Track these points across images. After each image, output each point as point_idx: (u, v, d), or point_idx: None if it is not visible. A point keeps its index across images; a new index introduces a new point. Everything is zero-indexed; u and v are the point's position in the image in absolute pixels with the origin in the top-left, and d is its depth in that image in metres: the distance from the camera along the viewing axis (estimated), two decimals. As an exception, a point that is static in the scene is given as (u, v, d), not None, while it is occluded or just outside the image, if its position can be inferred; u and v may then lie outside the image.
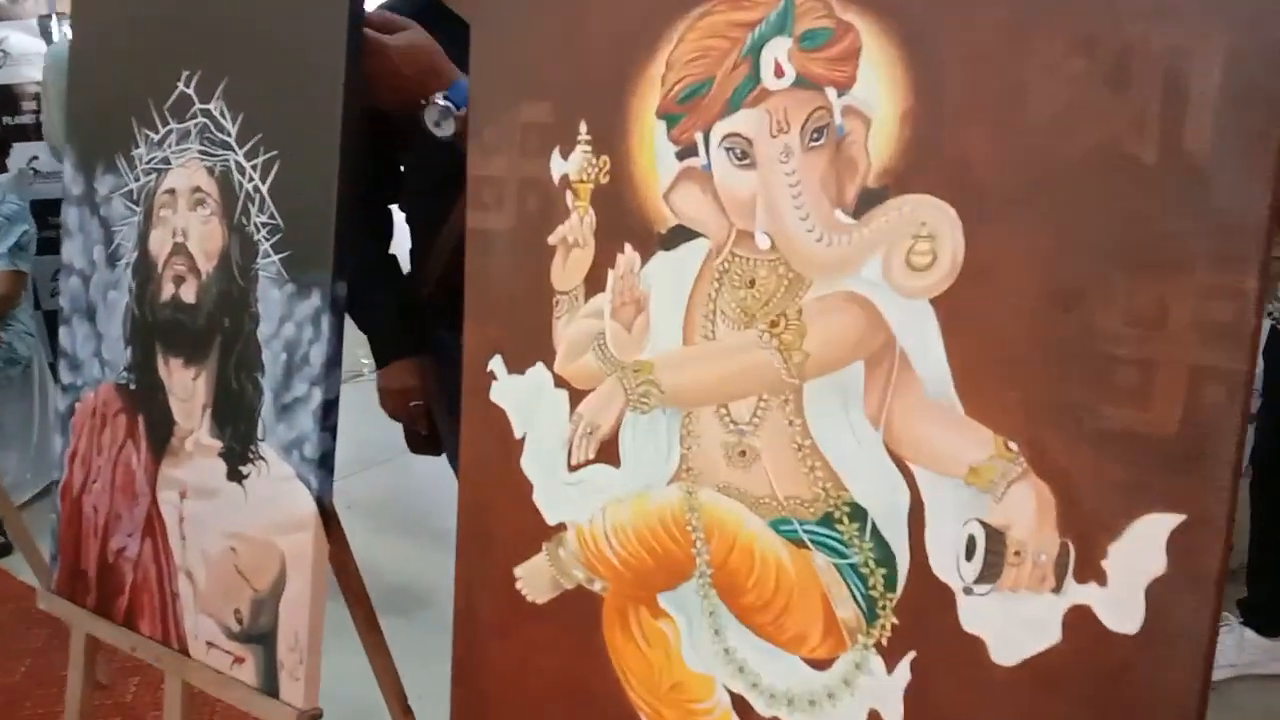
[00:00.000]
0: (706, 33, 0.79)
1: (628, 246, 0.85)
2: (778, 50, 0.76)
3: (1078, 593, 0.68)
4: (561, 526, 0.91)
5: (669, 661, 0.86)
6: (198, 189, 1.33)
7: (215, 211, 1.31)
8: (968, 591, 0.72)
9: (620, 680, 0.89)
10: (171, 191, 1.36)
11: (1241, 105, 0.60)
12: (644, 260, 0.84)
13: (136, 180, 1.41)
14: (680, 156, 0.82)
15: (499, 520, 0.94)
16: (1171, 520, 0.64)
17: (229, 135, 1.29)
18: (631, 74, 0.83)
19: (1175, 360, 0.63)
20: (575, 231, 0.87)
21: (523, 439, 0.92)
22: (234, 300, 1.28)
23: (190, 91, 1.34)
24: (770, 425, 0.78)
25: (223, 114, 1.30)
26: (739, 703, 0.82)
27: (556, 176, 0.88)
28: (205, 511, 1.34)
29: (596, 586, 0.89)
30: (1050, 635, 0.69)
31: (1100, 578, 0.67)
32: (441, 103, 1.17)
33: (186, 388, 1.36)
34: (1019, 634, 0.70)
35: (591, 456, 0.88)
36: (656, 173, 0.83)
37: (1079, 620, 0.68)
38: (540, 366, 0.91)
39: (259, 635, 1.29)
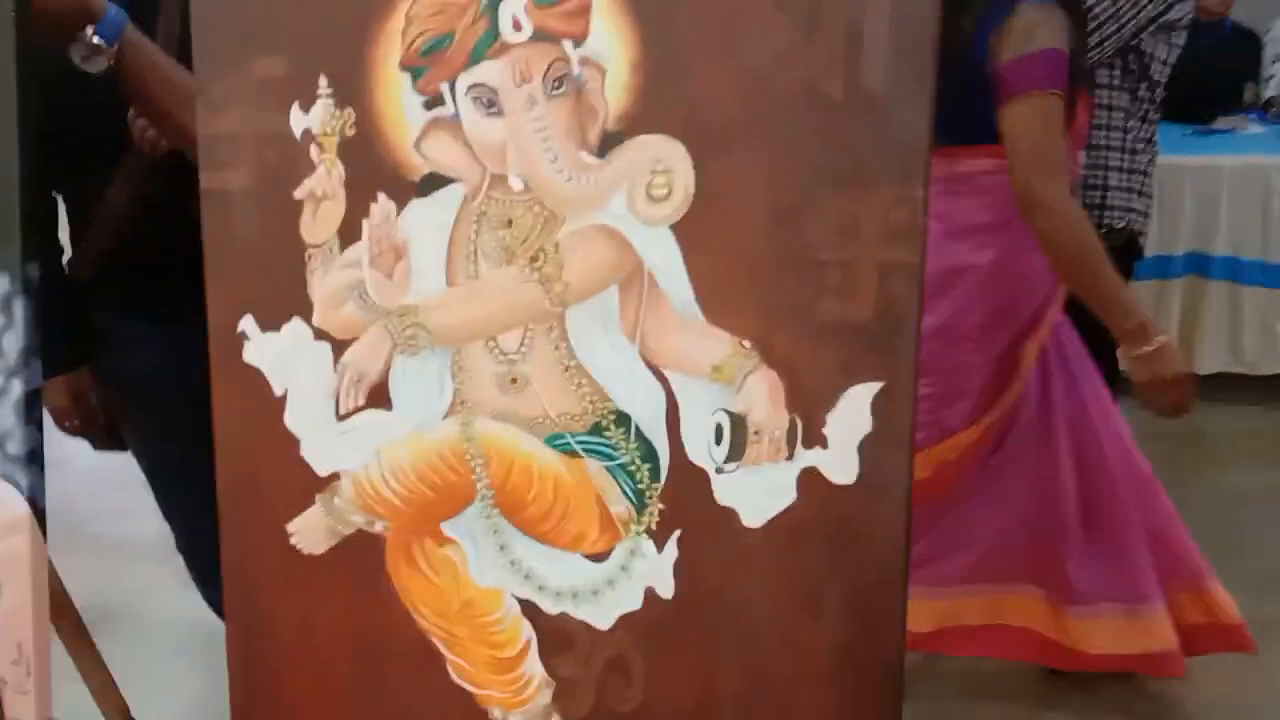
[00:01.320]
0: (444, -11, 0.84)
1: (381, 196, 0.88)
2: (514, 6, 0.83)
3: (806, 457, 0.82)
4: (334, 476, 0.93)
5: (457, 584, 0.91)
6: None
7: None
8: (719, 471, 0.84)
9: (410, 612, 0.93)
10: None
11: (905, 49, 0.76)
12: (400, 208, 0.88)
13: None
14: (428, 106, 0.86)
15: (265, 480, 0.94)
16: (873, 388, 0.80)
17: None
18: (370, 27, 0.86)
19: (868, 259, 0.79)
20: (323, 184, 0.89)
21: (284, 396, 0.93)
22: (-104, 294, 1.14)
23: None
24: (538, 352, 0.86)
25: None
26: (528, 607, 0.90)
27: (298, 131, 0.89)
28: (-122, 532, 1.19)
29: (378, 527, 0.93)
30: (788, 496, 0.83)
31: (823, 442, 0.82)
32: (91, 39, 1.11)
33: None
34: (763, 499, 0.83)
35: (361, 403, 0.91)
36: (405, 123, 0.87)
37: (810, 480, 0.82)
38: (297, 321, 0.92)
39: (-33, 657, 1.17)
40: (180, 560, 2.91)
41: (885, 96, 0.77)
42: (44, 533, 1.13)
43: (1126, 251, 2.15)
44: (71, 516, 2.71)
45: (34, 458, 1.13)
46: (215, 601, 1.98)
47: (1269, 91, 3.70)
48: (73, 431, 1.64)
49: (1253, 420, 3.14)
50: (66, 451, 1.76)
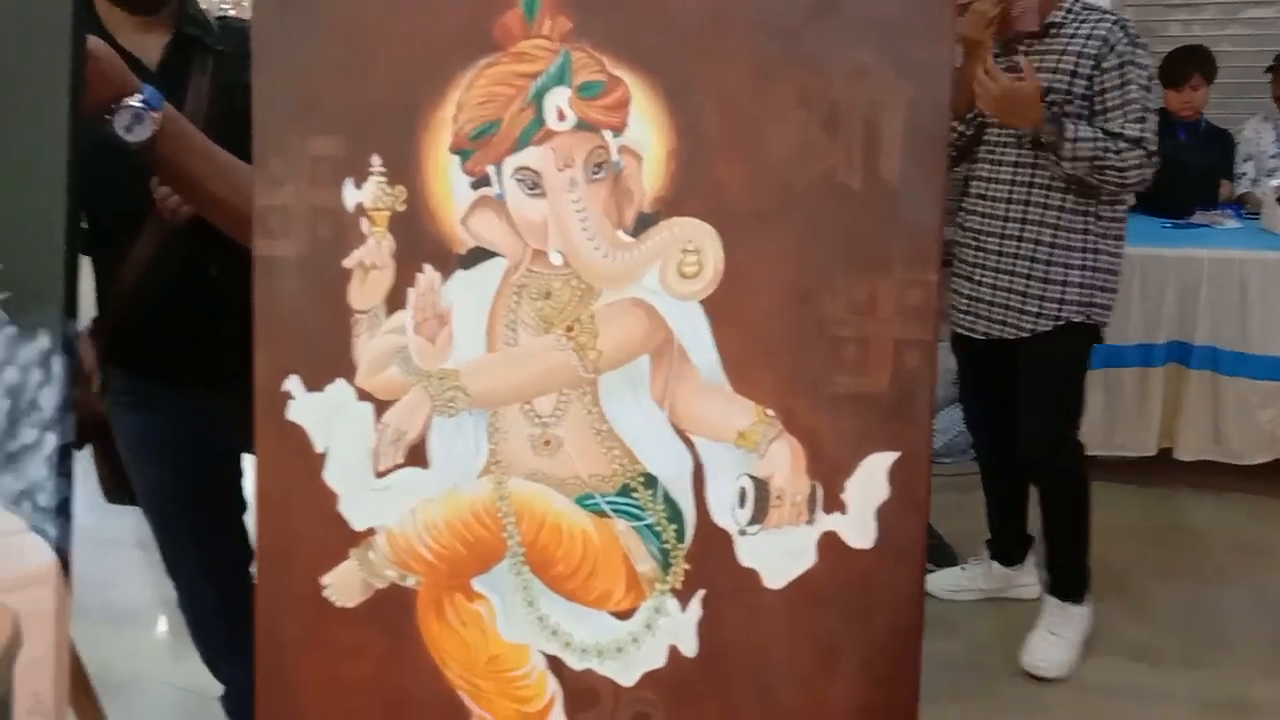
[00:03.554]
0: (493, 80, 0.91)
1: (427, 267, 0.94)
2: (559, 98, 0.90)
3: (826, 521, 0.87)
4: (370, 531, 0.97)
5: (485, 638, 0.95)
6: (-121, 230, 1.22)
7: (-92, 253, 1.20)
8: (742, 533, 0.89)
9: (438, 665, 0.96)
10: None
11: (919, 145, 0.83)
12: (444, 279, 0.94)
13: None
14: (474, 186, 0.93)
15: (302, 535, 0.98)
16: (890, 456, 0.85)
17: (-78, 172, 1.20)
18: (423, 113, 0.93)
19: (884, 336, 0.85)
20: (373, 255, 0.95)
21: (324, 453, 0.98)
22: (-63, 348, 1.19)
23: None
24: (571, 416, 0.91)
25: (-86, 149, 1.20)
26: (554, 663, 0.94)
27: (350, 204, 0.95)
28: (-96, 582, 1.21)
29: (410, 582, 0.97)
30: (808, 559, 0.88)
31: (842, 508, 0.87)
32: (135, 104, 1.18)
33: (-128, 447, 1.23)
34: (784, 561, 0.88)
35: (400, 461, 0.96)
36: (452, 200, 0.93)
37: (829, 544, 0.87)
38: (341, 382, 0.97)
39: (-15, 707, 1.19)
40: (167, 627, 2.91)
41: (900, 188, 0.84)
42: (69, 584, 1.16)
43: (1087, 338, 2.29)
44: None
45: (63, 510, 1.16)
46: (212, 662, 1.98)
47: (1241, 188, 3.85)
48: None
49: (1234, 508, 3.21)
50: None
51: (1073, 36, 2.14)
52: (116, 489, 1.79)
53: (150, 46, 1.56)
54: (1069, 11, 2.18)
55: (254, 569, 1.14)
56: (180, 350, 1.65)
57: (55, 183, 1.13)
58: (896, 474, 0.85)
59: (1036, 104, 2.04)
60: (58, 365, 1.14)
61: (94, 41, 1.15)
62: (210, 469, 1.84)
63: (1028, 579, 2.68)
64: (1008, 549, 2.67)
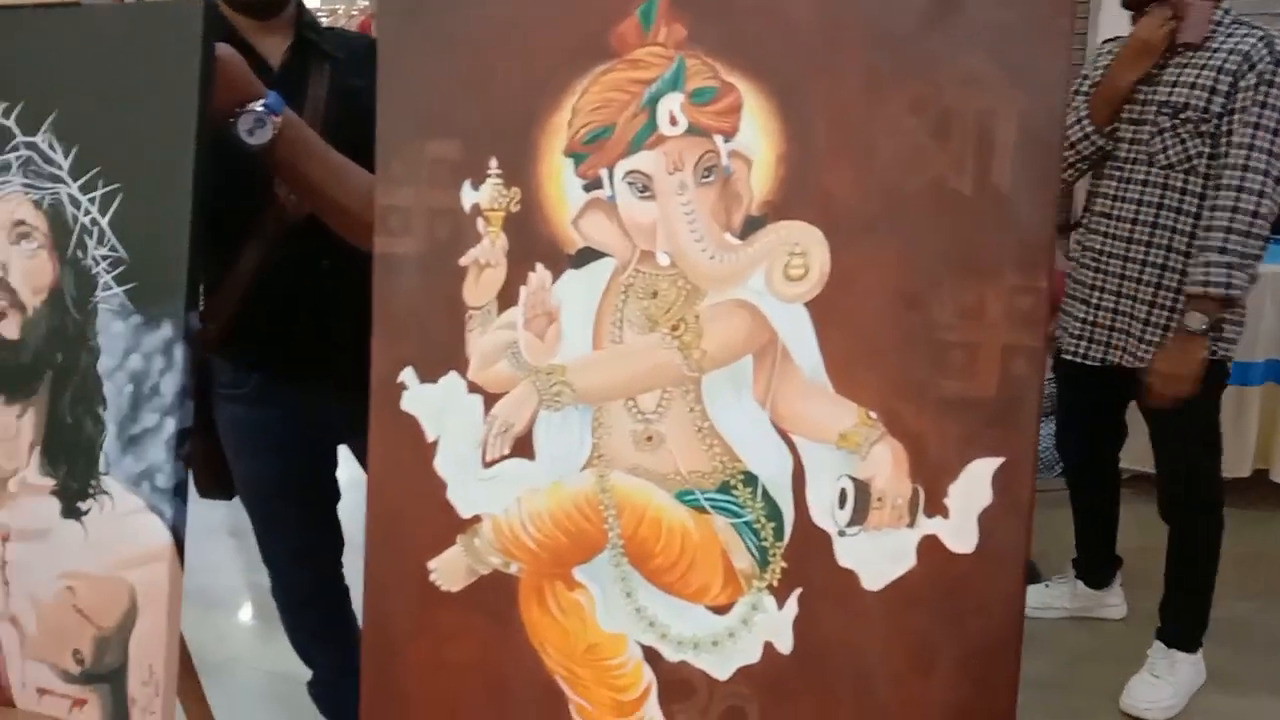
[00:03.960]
0: (608, 87, 0.94)
1: (539, 266, 0.97)
2: (672, 104, 0.92)
3: (927, 525, 0.88)
4: (476, 519, 1.00)
5: (584, 627, 0.98)
6: (21, 222, 1.30)
7: (43, 245, 1.28)
8: (841, 534, 0.90)
9: (537, 651, 0.99)
10: (-12, 225, 1.32)
11: (1030, 152, 0.84)
12: (555, 277, 0.97)
13: (-58, 213, 1.35)
14: (587, 189, 0.96)
15: (411, 520, 1.02)
16: (995, 462, 0.86)
17: (59, 168, 1.27)
18: (539, 118, 0.97)
19: (992, 342, 0.86)
20: (487, 254, 0.99)
21: (435, 442, 1.01)
22: (67, 335, 1.26)
23: (10, 124, 1.30)
24: (674, 413, 0.94)
25: (51, 146, 1.28)
26: (650, 653, 0.96)
27: (467, 205, 0.99)
28: (34, 554, 1.29)
29: (513, 569, 1.00)
30: (907, 561, 0.88)
31: (944, 512, 0.87)
32: (258, 109, 1.23)
33: (8, 426, 1.31)
34: (883, 563, 0.89)
35: (506, 452, 0.99)
36: (565, 202, 0.96)
37: (929, 547, 0.88)
38: (453, 375, 1.00)
39: (104, 674, 1.26)
40: (253, 612, 3.00)
41: (1012, 194, 0.84)
42: (182, 563, 1.22)
43: (1213, 371, 2.15)
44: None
45: (179, 492, 1.22)
46: (303, 648, 2.05)
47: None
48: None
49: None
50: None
51: (1215, 51, 2.04)
52: (209, 483, 1.86)
53: (272, 50, 1.63)
54: (1218, 25, 2.07)
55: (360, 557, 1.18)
56: (289, 343, 1.72)
57: (182, 180, 1.19)
58: (1000, 480, 0.86)
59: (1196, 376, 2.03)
60: (179, 353, 1.20)
61: (222, 47, 1.21)
62: (310, 460, 1.90)
63: (1114, 600, 2.63)
64: (1095, 570, 2.62)
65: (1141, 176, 2.13)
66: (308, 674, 2.08)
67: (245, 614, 2.97)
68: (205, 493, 1.88)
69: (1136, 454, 2.72)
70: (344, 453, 1.95)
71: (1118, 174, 2.18)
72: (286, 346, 1.73)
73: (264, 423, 1.79)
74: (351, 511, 1.99)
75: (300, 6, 1.70)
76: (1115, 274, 2.19)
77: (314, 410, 1.78)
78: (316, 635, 2.03)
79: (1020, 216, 0.84)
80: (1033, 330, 0.84)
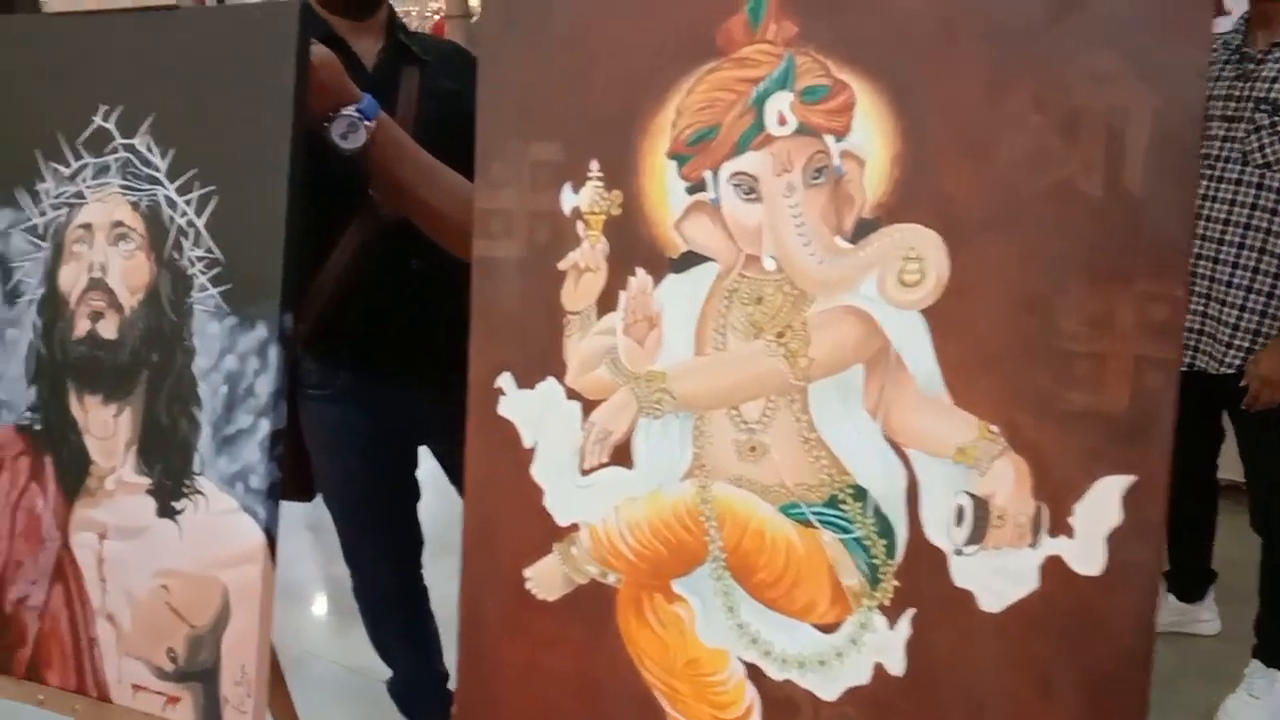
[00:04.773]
0: (714, 86, 0.91)
1: (640, 270, 0.95)
2: (780, 103, 0.89)
3: (1051, 545, 0.83)
4: (574, 527, 0.99)
5: (684, 640, 0.95)
6: (119, 223, 1.31)
7: (141, 246, 1.29)
8: (958, 553, 0.86)
9: (635, 663, 0.97)
10: (87, 226, 1.33)
11: (1166, 152, 0.79)
12: (656, 282, 0.95)
13: (42, 215, 1.37)
14: (690, 191, 0.93)
15: (507, 526, 1.01)
16: (1125, 481, 0.81)
17: (157, 170, 1.28)
18: (642, 119, 0.94)
19: (1123, 353, 0.81)
20: (587, 258, 0.97)
21: (533, 448, 1.00)
22: (164, 335, 1.27)
23: (110, 126, 1.32)
24: (779, 422, 0.91)
25: (149, 149, 1.29)
26: (753, 671, 0.93)
27: (567, 208, 0.97)
28: (129, 551, 1.31)
29: (611, 579, 0.98)
30: (1029, 583, 0.84)
31: (1069, 531, 0.83)
32: (352, 113, 1.23)
33: (106, 425, 1.33)
34: (1003, 584, 0.85)
35: (605, 460, 0.97)
36: (668, 205, 0.94)
37: (1052, 568, 0.83)
38: (551, 381, 0.99)
39: (197, 672, 1.27)
40: (332, 605, 3.02)
41: (1145, 196, 0.80)
42: (274, 564, 1.23)
43: None
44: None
45: (272, 492, 1.23)
46: (383, 646, 2.06)
47: None
48: None
49: None
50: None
51: None
52: (288, 485, 1.87)
53: (366, 51, 1.64)
54: None
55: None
56: (377, 343, 1.72)
57: (278, 183, 1.19)
58: (1131, 499, 0.81)
59: None
60: (273, 355, 1.21)
61: (318, 50, 1.21)
62: (395, 460, 1.91)
63: (1207, 615, 2.53)
64: (1188, 584, 2.52)
65: (1235, 175, 2.05)
66: (383, 670, 2.10)
67: (322, 608, 3.01)
68: (285, 495, 1.89)
69: (1228, 463, 2.63)
70: (423, 451, 1.96)
71: (1208, 172, 2.10)
72: (375, 346, 1.74)
73: (351, 423, 1.80)
74: (429, 511, 2.00)
75: (391, 9, 1.70)
76: (1204, 276, 2.11)
77: (400, 410, 1.78)
78: (398, 635, 2.04)
79: (1154, 219, 0.79)
80: (1168, 341, 0.79)
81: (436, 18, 7.02)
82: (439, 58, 1.73)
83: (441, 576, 2.07)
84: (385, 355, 1.74)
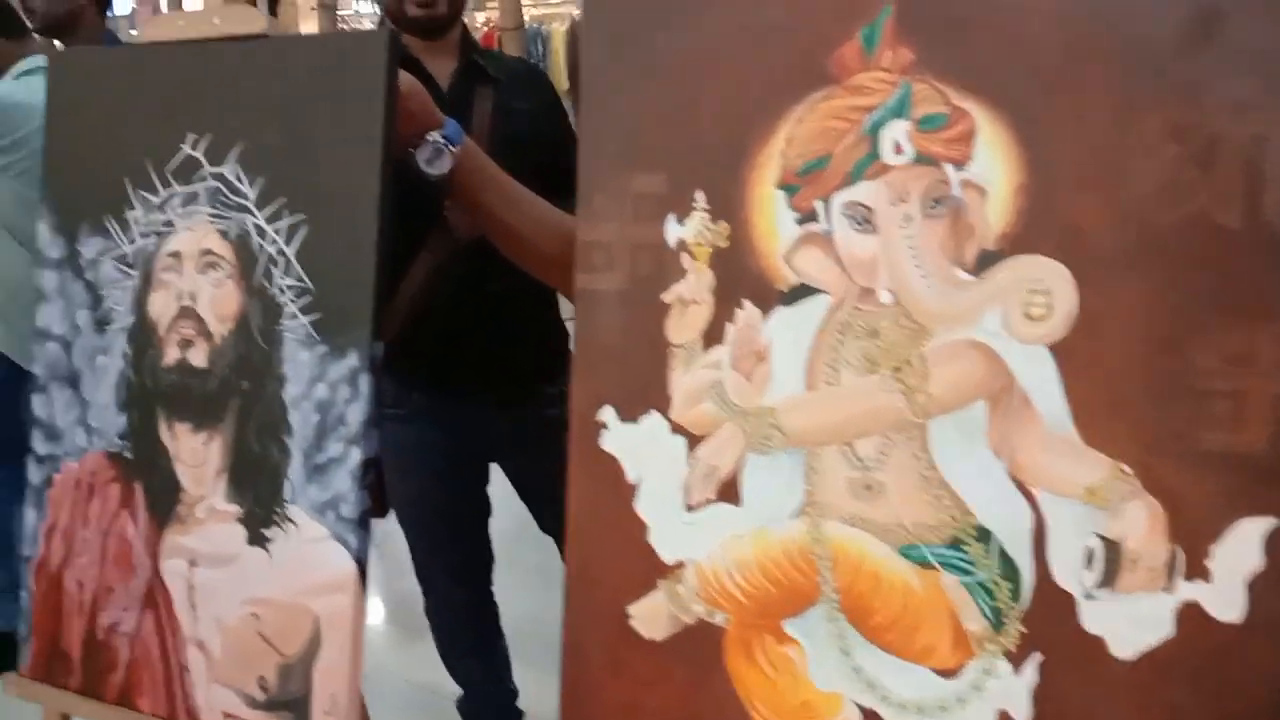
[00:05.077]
0: (827, 115, 0.89)
1: (747, 303, 0.93)
2: (896, 131, 0.87)
3: (1187, 590, 0.80)
4: (679, 564, 0.97)
5: (795, 684, 0.93)
6: (208, 252, 1.32)
7: (230, 274, 1.30)
8: (1088, 597, 0.83)
9: (744, 705, 0.95)
10: (176, 254, 1.34)
11: (1314, 184, 0.75)
12: (764, 314, 0.93)
13: (131, 243, 1.38)
14: (800, 222, 0.91)
15: (611, 561, 0.99)
16: (1267, 523, 0.78)
17: (246, 199, 1.28)
18: (750, 149, 0.92)
19: (1264, 390, 0.77)
20: (692, 290, 0.95)
21: (636, 483, 0.98)
22: (253, 363, 1.27)
23: (198, 155, 1.32)
24: (896, 460, 0.88)
25: (238, 178, 1.29)
26: (869, 716, 0.90)
27: (672, 240, 0.96)
28: (220, 579, 1.31)
29: (718, 619, 0.96)
30: (1164, 629, 0.81)
31: (1206, 575, 0.79)
32: (438, 139, 1.23)
33: (196, 453, 1.33)
34: (1135, 631, 0.81)
35: (712, 496, 0.95)
36: (776, 236, 0.92)
37: (1189, 614, 0.80)
38: (655, 414, 0.97)
39: (288, 701, 1.26)
40: (398, 620, 3.03)
41: (1290, 229, 0.76)
42: (365, 593, 1.22)
43: None
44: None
45: (363, 521, 1.22)
46: (453, 665, 2.06)
47: None
48: None
49: None
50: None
51: None
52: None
53: (441, 71, 1.64)
54: None
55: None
56: (453, 363, 1.73)
57: (368, 212, 1.19)
58: (1272, 543, 0.78)
59: None
60: (364, 383, 1.20)
61: (404, 79, 1.21)
62: (468, 477, 1.91)
63: None
64: None
65: None
66: (450, 685, 2.10)
67: (388, 623, 3.02)
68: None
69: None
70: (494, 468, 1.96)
71: None
72: (451, 366, 1.74)
73: (426, 442, 1.81)
74: (494, 527, 1.99)
75: (465, 28, 1.71)
76: None
77: (475, 428, 1.79)
78: (469, 653, 2.04)
79: (1302, 253, 0.76)
80: (1316, 379, 0.76)
81: (485, 29, 7.06)
82: (511, 76, 1.73)
83: (507, 593, 2.07)
84: (461, 374, 1.74)
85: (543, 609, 2.56)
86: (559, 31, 7.12)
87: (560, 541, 2.01)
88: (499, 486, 1.96)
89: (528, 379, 1.81)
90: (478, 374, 1.73)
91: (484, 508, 1.97)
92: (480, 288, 1.64)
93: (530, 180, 1.36)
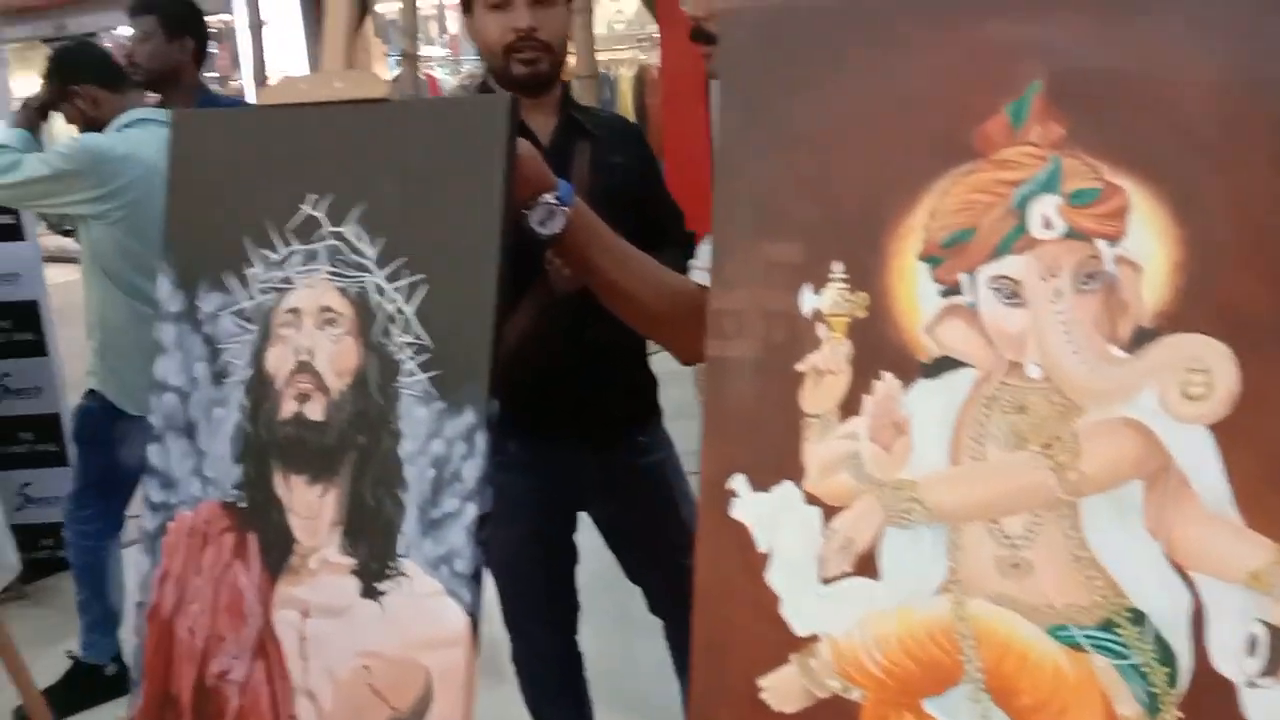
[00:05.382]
0: (972, 188, 0.89)
1: (886, 374, 0.92)
2: (1045, 206, 0.86)
3: (1361, 682, 0.77)
4: (813, 637, 0.95)
5: (938, 764, 0.91)
6: (327, 309, 1.34)
7: (349, 331, 1.31)
8: (1251, 685, 0.80)
9: (883, 786, 0.93)
10: (295, 311, 1.36)
11: None
12: (905, 386, 0.92)
13: (250, 299, 1.41)
14: (944, 294, 0.90)
15: (740, 632, 0.98)
16: None
17: (366, 258, 1.30)
18: (890, 221, 0.92)
19: None
20: (829, 361, 0.94)
21: (767, 553, 0.97)
22: (370, 418, 1.29)
23: (319, 215, 1.35)
24: (1046, 538, 0.86)
25: (359, 237, 1.31)
26: (1019, 799, 0.88)
27: (808, 310, 0.95)
28: (332, 630, 1.32)
29: (854, 695, 0.94)
30: (1333, 721, 0.78)
31: (1383, 668, 0.77)
32: (551, 201, 1.24)
33: (310, 505, 1.35)
34: (1302, 722, 0.79)
35: (848, 569, 0.94)
36: (918, 308, 0.91)
37: (1364, 708, 0.77)
38: (789, 484, 0.96)
39: (399, 755, 1.27)
40: (483, 670, 3.03)
41: None
42: (477, 649, 1.22)
43: None
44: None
45: (477, 576, 1.23)
46: (539, 710, 2.05)
47: None
48: None
49: None
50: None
51: None
52: None
53: (542, 127, 1.67)
54: None
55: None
56: (549, 409, 1.74)
57: (487, 273, 1.20)
58: None
59: None
60: (480, 440, 1.21)
61: (520, 143, 1.23)
62: (558, 525, 1.92)
63: None
64: None
65: None
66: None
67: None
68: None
69: None
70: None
71: None
72: (545, 413, 1.76)
73: (518, 491, 1.82)
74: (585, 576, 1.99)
75: (566, 86, 1.73)
76: None
77: (567, 475, 1.80)
78: (556, 700, 2.04)
79: None
80: None
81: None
82: (608, 131, 1.75)
83: (586, 642, 2.06)
84: (555, 420, 1.75)
85: (617, 656, 2.55)
86: (625, 76, 7.22)
87: (649, 590, 2.02)
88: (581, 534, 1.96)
89: (619, 425, 1.82)
90: (572, 419, 1.74)
91: (573, 555, 1.98)
92: (578, 337, 1.66)
93: (627, 233, 1.38)
